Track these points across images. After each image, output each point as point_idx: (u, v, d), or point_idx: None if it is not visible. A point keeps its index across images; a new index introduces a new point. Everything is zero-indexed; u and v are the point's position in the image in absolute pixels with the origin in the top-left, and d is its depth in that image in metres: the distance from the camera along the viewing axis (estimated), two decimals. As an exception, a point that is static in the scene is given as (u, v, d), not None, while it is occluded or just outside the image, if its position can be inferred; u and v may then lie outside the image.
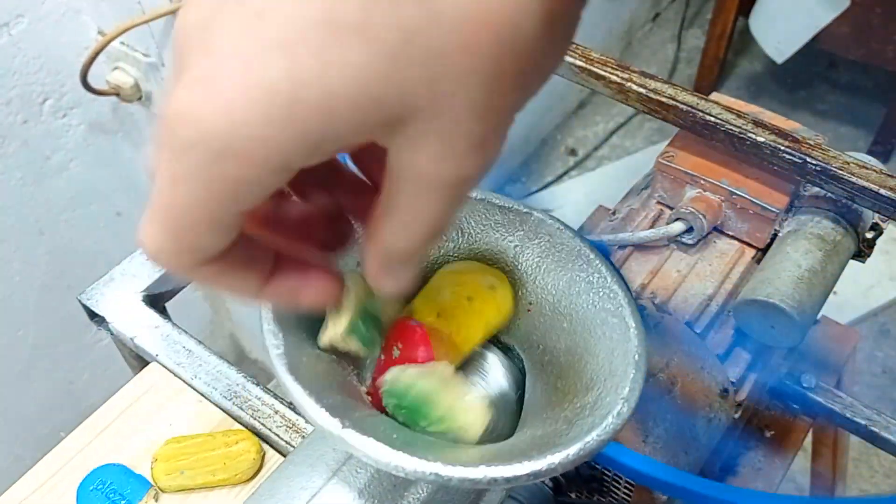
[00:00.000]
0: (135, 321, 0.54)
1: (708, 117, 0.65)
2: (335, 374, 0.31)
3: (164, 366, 0.53)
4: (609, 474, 0.64)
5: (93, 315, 0.56)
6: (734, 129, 0.64)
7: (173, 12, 0.91)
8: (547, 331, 0.34)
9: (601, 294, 0.33)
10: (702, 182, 0.68)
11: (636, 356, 0.31)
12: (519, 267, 0.35)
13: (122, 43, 1.00)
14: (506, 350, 0.36)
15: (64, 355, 1.20)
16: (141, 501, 0.48)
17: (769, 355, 0.69)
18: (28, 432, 1.17)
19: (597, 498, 0.65)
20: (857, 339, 0.82)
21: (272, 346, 0.28)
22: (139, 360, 0.55)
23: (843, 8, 1.56)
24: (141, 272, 0.57)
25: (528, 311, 0.35)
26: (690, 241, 0.69)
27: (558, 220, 0.34)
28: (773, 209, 0.66)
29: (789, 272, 0.63)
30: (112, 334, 0.55)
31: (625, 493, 0.64)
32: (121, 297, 0.55)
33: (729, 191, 0.67)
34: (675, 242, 0.70)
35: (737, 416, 0.68)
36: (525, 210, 0.34)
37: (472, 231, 0.35)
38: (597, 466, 0.63)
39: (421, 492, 0.32)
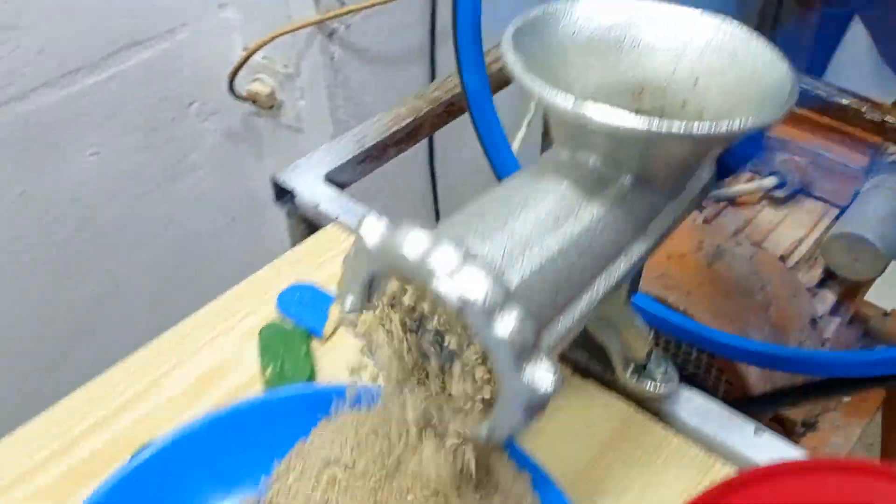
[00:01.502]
0: (318, 193, 0.65)
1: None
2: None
3: (342, 225, 0.63)
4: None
5: (281, 193, 0.66)
6: (822, 93, 0.75)
7: (317, 23, 1.05)
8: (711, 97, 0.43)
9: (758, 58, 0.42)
10: (791, 146, 0.78)
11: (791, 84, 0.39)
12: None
13: (264, 57, 1.15)
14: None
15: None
16: (332, 305, 0.56)
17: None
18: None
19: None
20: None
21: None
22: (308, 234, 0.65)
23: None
24: (322, 161, 0.68)
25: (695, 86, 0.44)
26: (781, 195, 0.78)
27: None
28: (855, 167, 0.76)
29: (872, 212, 0.72)
30: (297, 206, 0.65)
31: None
32: (306, 178, 0.66)
33: (815, 153, 0.77)
34: (767, 199, 0.79)
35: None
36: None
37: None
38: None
39: (619, 189, 0.40)
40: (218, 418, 0.46)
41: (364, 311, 0.39)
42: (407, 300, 0.36)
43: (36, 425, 0.50)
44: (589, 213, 0.39)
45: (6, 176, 1.00)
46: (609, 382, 0.53)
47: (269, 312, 0.56)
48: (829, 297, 0.75)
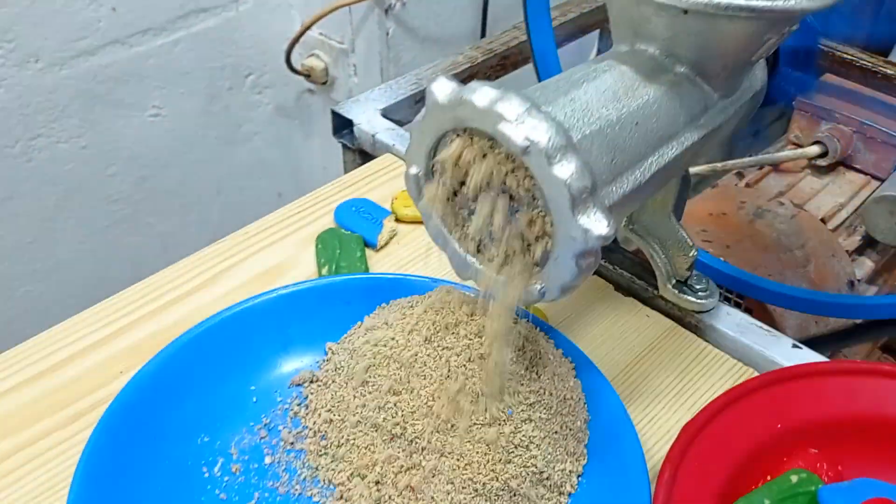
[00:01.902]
0: (375, 124, 0.68)
1: (844, 55, 0.78)
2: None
3: (397, 154, 0.65)
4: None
5: (342, 125, 0.69)
6: (867, 63, 0.76)
7: (376, -3, 1.09)
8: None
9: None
10: (836, 115, 0.80)
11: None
12: None
13: (321, 33, 1.19)
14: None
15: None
16: (385, 219, 0.59)
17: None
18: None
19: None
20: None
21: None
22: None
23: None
24: (379, 98, 0.71)
25: None
26: (824, 164, 0.79)
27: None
28: (899, 137, 0.77)
29: (915, 178, 0.73)
30: (355, 136, 0.68)
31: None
32: (365, 110, 0.69)
33: (860, 121, 0.78)
34: (810, 168, 0.80)
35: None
36: None
37: None
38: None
39: (675, 76, 0.42)
40: (286, 294, 0.49)
41: (428, 182, 0.41)
42: (471, 157, 0.38)
43: (107, 304, 0.53)
44: (646, 93, 0.41)
45: (72, 128, 1.05)
46: (650, 300, 0.55)
47: (326, 222, 0.59)
48: (867, 265, 0.76)
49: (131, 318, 0.52)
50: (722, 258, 0.70)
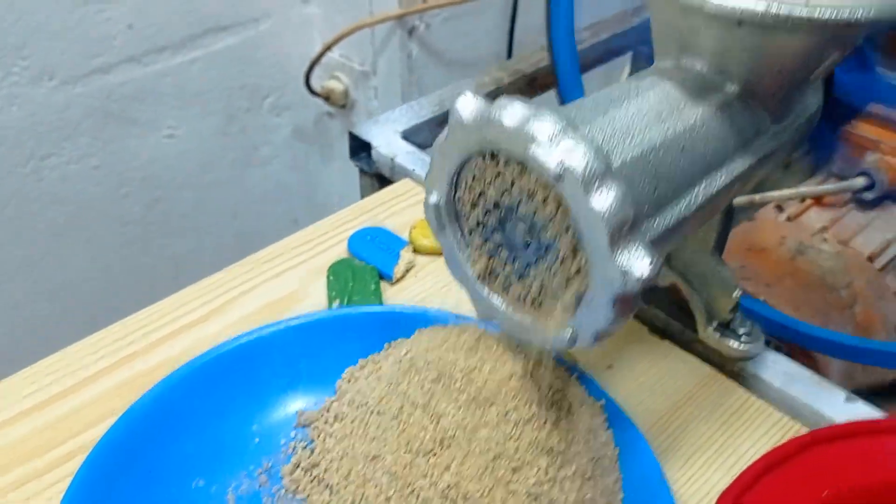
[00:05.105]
0: (395, 147, 0.64)
1: (893, 83, 0.73)
2: None
3: (417, 179, 0.61)
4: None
5: (359, 147, 0.66)
6: (918, 91, 0.72)
7: (398, 17, 1.06)
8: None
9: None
10: (882, 146, 0.75)
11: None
12: None
13: (341, 55, 1.16)
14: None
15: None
16: (403, 249, 0.55)
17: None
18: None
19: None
20: None
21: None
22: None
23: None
24: (400, 119, 0.67)
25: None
26: (870, 197, 0.75)
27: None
28: (952, 171, 0.72)
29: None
30: (373, 160, 0.64)
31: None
32: (384, 132, 0.65)
33: (909, 154, 0.74)
34: (854, 202, 0.76)
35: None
36: None
37: None
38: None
39: (724, 96, 0.38)
40: (295, 327, 0.45)
41: (450, 211, 0.37)
42: (498, 184, 0.34)
43: (110, 332, 0.50)
44: (693, 114, 0.37)
45: (84, 146, 1.02)
46: (688, 343, 0.50)
47: (339, 252, 0.55)
48: (918, 305, 0.71)
49: (130, 349, 0.49)
50: (762, 297, 0.65)
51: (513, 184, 0.34)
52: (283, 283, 0.53)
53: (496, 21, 1.19)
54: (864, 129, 0.76)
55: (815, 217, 0.75)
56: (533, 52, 0.77)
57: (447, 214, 0.37)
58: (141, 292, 1.16)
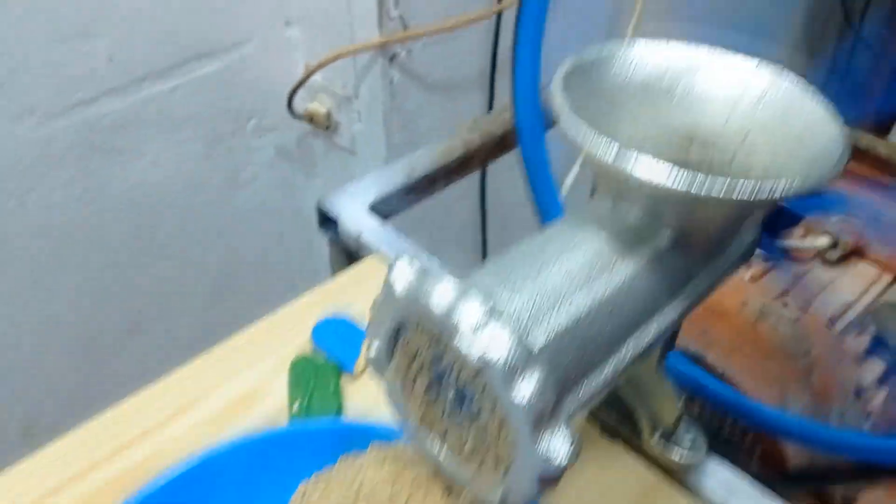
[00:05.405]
0: (361, 222, 0.65)
1: (858, 144, 0.74)
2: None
3: (383, 257, 0.63)
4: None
5: (325, 219, 0.67)
6: (882, 153, 0.73)
7: (379, 46, 1.06)
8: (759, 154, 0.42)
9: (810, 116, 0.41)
10: (848, 203, 0.76)
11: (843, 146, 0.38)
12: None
13: (324, 78, 1.16)
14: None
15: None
16: (364, 343, 0.56)
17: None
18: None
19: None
20: None
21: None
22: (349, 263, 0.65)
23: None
24: (369, 190, 0.68)
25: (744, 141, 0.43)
26: (834, 257, 0.76)
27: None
28: (915, 232, 0.73)
29: (929, 282, 0.69)
30: (339, 234, 0.66)
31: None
32: (350, 205, 0.66)
33: (873, 212, 0.75)
34: (819, 258, 0.77)
35: (866, 426, 0.73)
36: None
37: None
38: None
39: (656, 247, 0.39)
40: (242, 444, 0.47)
41: (390, 359, 0.39)
42: (430, 353, 0.36)
43: (65, 443, 0.51)
44: (623, 271, 0.38)
45: (67, 177, 1.03)
46: (637, 446, 0.52)
47: (303, 343, 0.57)
48: (877, 367, 0.72)
49: (91, 457, 0.50)
50: (723, 367, 0.67)
51: (446, 350, 0.35)
52: (247, 378, 0.54)
53: (479, 42, 1.19)
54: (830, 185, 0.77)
55: (780, 276, 0.76)
56: (505, 110, 0.78)
57: (387, 363, 0.39)
58: (127, 317, 1.18)
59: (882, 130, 1.54)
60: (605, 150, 0.36)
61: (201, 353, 0.57)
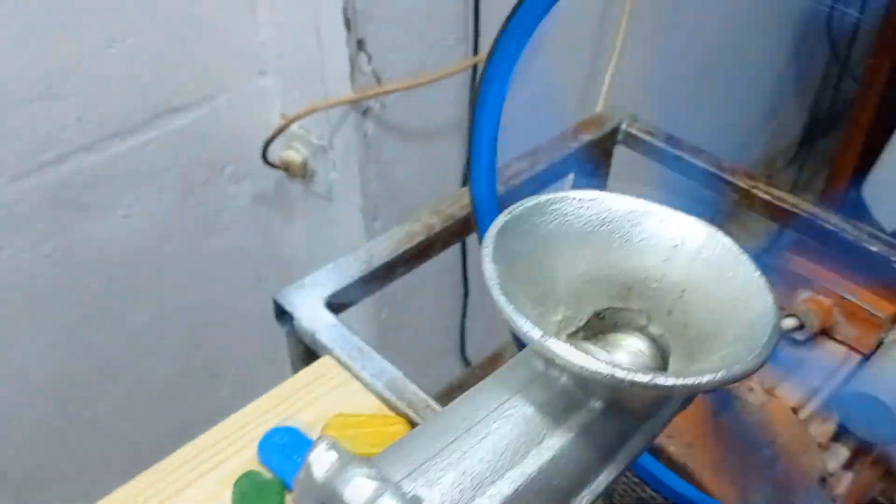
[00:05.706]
0: (317, 320, 0.64)
1: (826, 226, 0.73)
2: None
3: (337, 358, 0.62)
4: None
5: (281, 313, 0.66)
6: (849, 237, 0.72)
7: (352, 101, 1.06)
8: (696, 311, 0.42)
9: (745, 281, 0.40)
10: (815, 285, 0.75)
11: (773, 323, 0.37)
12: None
13: (300, 127, 1.16)
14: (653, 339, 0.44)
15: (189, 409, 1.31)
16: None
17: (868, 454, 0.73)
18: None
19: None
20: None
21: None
22: (309, 358, 0.65)
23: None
24: (326, 282, 0.67)
25: (681, 296, 0.43)
26: (800, 338, 0.75)
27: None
28: (881, 315, 0.73)
29: (893, 371, 0.69)
30: (295, 330, 0.65)
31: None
32: (307, 300, 0.66)
33: (841, 295, 0.74)
34: (786, 339, 0.76)
35: (832, 511, 0.72)
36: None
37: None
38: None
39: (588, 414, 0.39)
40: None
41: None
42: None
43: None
44: (554, 443, 0.37)
45: (37, 235, 1.02)
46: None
47: (249, 456, 0.56)
48: (842, 453, 0.71)
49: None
50: (683, 458, 0.66)
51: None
52: (191, 497, 0.54)
53: (456, 91, 1.18)
54: (797, 265, 0.76)
55: (747, 356, 0.75)
56: (466, 192, 0.77)
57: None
58: (103, 368, 1.17)
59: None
60: (532, 332, 0.35)
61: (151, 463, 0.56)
